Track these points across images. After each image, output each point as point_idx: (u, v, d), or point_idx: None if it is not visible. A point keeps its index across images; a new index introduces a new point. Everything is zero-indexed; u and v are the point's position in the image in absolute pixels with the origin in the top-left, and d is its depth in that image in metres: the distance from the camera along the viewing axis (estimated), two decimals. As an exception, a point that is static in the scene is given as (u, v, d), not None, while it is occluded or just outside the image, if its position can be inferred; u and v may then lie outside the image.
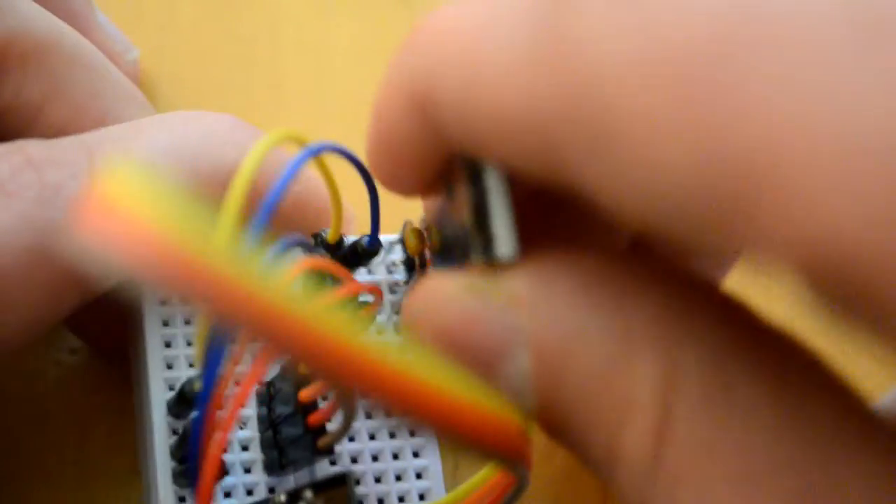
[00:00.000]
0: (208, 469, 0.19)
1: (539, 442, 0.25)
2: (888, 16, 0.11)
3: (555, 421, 0.15)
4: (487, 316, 0.15)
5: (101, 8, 0.27)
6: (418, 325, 0.16)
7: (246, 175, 0.17)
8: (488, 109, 0.14)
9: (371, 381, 0.13)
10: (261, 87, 0.30)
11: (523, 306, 0.15)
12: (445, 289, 0.16)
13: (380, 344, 0.13)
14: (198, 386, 0.20)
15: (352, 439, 0.22)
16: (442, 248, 0.19)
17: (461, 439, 0.14)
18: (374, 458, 0.22)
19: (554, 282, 0.15)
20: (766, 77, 0.11)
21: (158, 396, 0.21)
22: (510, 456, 0.15)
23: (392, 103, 0.16)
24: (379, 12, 0.31)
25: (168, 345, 0.22)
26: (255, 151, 0.17)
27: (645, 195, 0.13)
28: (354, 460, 0.22)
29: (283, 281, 0.12)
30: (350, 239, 0.22)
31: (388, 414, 0.14)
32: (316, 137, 0.19)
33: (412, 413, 0.13)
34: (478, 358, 0.15)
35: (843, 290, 0.11)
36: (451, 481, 0.23)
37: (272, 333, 0.12)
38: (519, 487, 0.20)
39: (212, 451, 0.19)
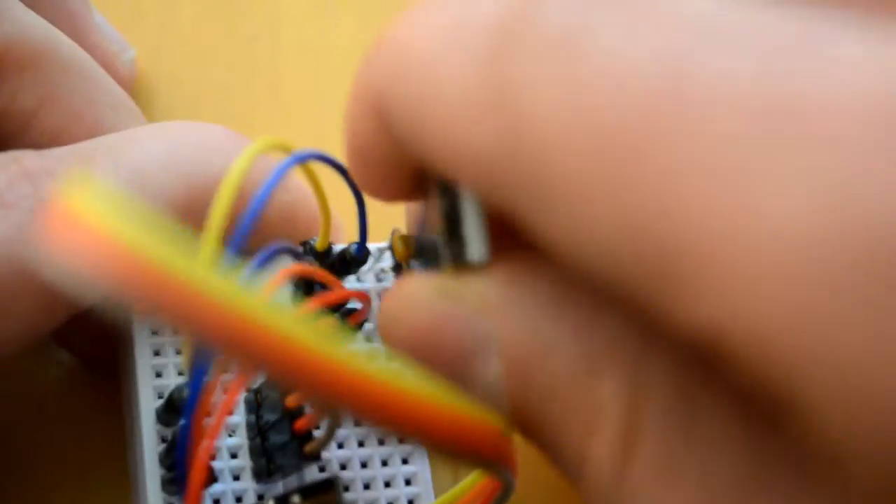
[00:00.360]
0: (196, 476, 0.19)
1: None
2: (807, 105, 0.11)
3: (527, 423, 0.15)
4: (458, 319, 0.15)
5: (99, 8, 0.27)
6: (392, 328, 0.16)
7: (233, 182, 0.17)
8: (436, 133, 0.14)
9: (349, 394, 0.13)
10: (261, 88, 0.30)
11: (493, 311, 0.15)
12: (418, 291, 0.16)
13: (357, 355, 0.13)
14: (186, 393, 0.20)
15: (340, 446, 0.22)
16: (420, 255, 0.19)
17: (442, 447, 0.14)
18: (363, 465, 0.22)
19: (524, 287, 0.15)
20: (683, 162, 0.12)
21: (148, 404, 0.21)
22: (492, 460, 0.15)
23: (358, 112, 0.17)
24: (379, 12, 0.31)
25: (157, 353, 0.22)
26: (241, 159, 0.18)
27: (577, 242, 0.13)
28: (343, 467, 0.22)
29: (256, 291, 0.12)
30: (338, 247, 0.22)
31: (370, 426, 0.13)
32: (315, 138, 0.19)
33: (392, 424, 0.14)
34: (449, 361, 0.15)
35: (746, 372, 0.12)
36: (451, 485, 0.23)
37: (238, 346, 0.12)
38: (505, 492, 0.20)
39: (199, 457, 0.19)
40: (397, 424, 0.14)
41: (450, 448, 0.14)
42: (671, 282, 0.12)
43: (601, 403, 0.14)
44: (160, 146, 0.22)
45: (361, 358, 0.13)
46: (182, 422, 0.21)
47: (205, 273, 0.12)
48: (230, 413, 0.21)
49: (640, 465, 0.14)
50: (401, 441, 0.23)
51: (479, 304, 0.15)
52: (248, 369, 0.13)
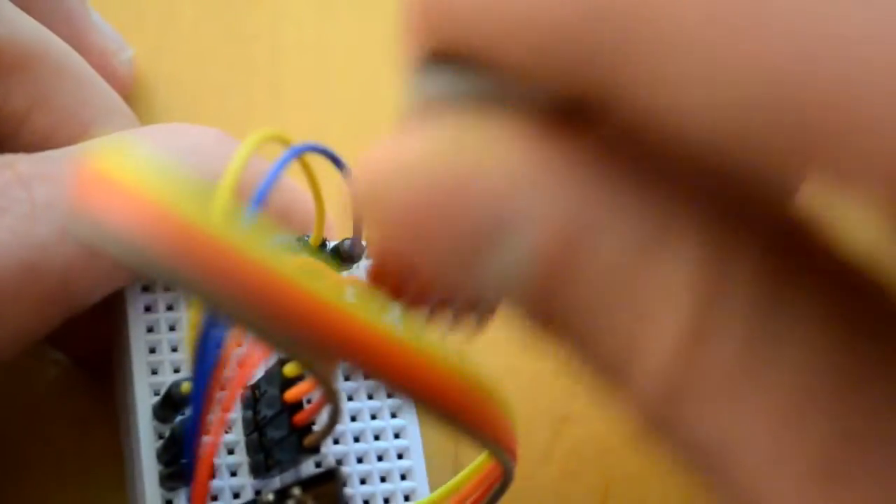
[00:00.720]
0: (202, 469, 0.19)
1: (538, 443, 0.26)
2: None
3: (555, 319, 0.13)
4: (482, 188, 0.12)
5: (99, 8, 0.27)
6: (384, 189, 0.12)
7: (234, 172, 0.17)
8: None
9: (363, 350, 0.13)
10: (260, 88, 0.30)
11: (531, 184, 0.12)
12: (430, 148, 0.12)
13: (371, 311, 0.13)
14: (185, 389, 0.21)
15: (336, 441, 0.22)
16: None
17: (442, 412, 0.14)
18: (360, 460, 0.22)
19: (570, 158, 0.12)
20: None
21: (144, 401, 0.21)
22: (492, 438, 0.15)
23: None
24: (379, 12, 0.31)
25: (152, 350, 0.22)
26: (242, 150, 0.18)
27: (689, 107, 0.11)
28: (340, 462, 0.22)
29: (287, 257, 0.12)
30: (332, 243, 0.22)
31: (373, 381, 0.13)
32: (315, 138, 0.19)
33: (402, 385, 0.13)
34: (459, 239, 0.12)
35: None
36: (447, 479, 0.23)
37: (273, 307, 0.12)
38: (504, 482, 0.20)
39: (205, 451, 0.19)
40: (402, 386, 0.13)
41: (450, 416, 0.14)
42: (826, 137, 0.10)
43: (666, 288, 0.12)
44: (154, 148, 0.22)
45: (376, 314, 0.13)
46: (180, 416, 0.21)
47: (238, 230, 0.12)
48: (231, 409, 0.21)
49: (708, 363, 0.12)
50: (397, 434, 0.23)
51: (512, 174, 0.12)
52: (277, 331, 0.13)
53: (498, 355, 0.25)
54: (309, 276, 0.12)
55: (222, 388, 0.19)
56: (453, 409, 0.14)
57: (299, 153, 0.19)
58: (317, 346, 0.13)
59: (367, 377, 0.14)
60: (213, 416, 0.19)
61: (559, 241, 0.12)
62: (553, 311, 0.13)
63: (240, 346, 0.20)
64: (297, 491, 0.20)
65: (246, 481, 0.21)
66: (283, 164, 0.18)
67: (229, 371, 0.20)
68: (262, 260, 0.12)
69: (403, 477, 0.23)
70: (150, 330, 0.22)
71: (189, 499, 0.20)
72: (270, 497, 0.20)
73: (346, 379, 0.23)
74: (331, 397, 0.18)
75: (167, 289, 0.22)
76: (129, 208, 0.12)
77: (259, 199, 0.18)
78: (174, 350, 0.22)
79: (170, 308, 0.22)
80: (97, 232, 0.12)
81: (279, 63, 0.30)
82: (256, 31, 0.30)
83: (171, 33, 0.30)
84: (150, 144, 0.22)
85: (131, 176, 0.12)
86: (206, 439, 0.19)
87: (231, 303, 0.12)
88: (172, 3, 0.30)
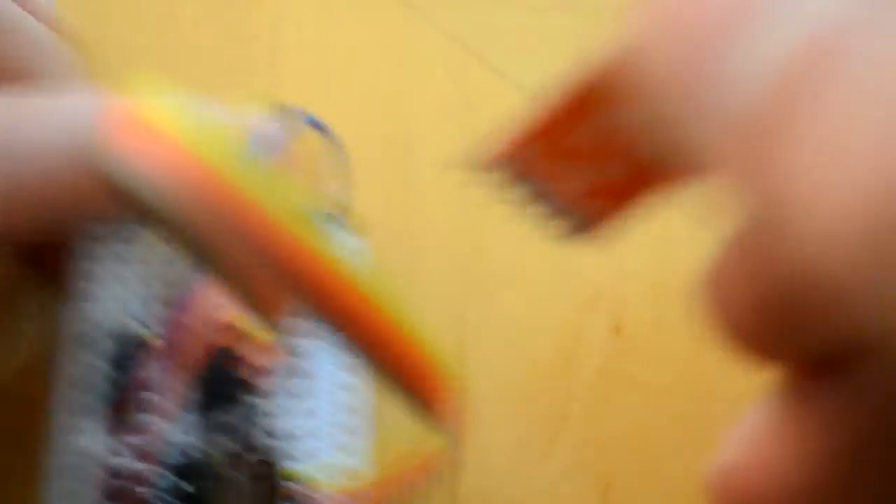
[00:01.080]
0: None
1: (538, 443, 0.26)
2: None
3: (773, 141, 0.11)
4: None
5: (100, 8, 0.28)
6: None
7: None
8: None
9: (327, 291, 0.14)
10: (260, 88, 0.30)
11: None
12: None
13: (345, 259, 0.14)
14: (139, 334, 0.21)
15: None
16: None
17: (386, 363, 0.15)
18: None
19: None
20: None
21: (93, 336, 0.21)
22: (432, 401, 0.16)
23: None
24: (379, 12, 0.31)
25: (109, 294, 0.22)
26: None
27: None
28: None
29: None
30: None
31: (328, 326, 0.14)
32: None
33: (345, 326, 0.14)
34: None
35: None
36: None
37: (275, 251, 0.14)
38: (445, 460, 0.19)
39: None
40: (349, 328, 0.14)
41: (390, 366, 0.15)
42: None
43: None
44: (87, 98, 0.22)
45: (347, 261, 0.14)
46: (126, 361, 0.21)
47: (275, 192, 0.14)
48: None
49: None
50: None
51: None
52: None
53: (498, 355, 0.26)
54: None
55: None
56: (391, 358, 0.15)
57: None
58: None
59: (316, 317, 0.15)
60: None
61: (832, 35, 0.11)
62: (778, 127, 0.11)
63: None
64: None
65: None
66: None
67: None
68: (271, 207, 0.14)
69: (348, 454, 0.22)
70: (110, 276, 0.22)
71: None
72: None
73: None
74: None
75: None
76: (161, 150, 0.13)
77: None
78: (127, 297, 0.22)
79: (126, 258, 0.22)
80: (128, 170, 0.13)
81: (279, 63, 0.30)
82: (256, 31, 0.31)
83: (171, 33, 0.30)
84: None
85: (166, 121, 0.13)
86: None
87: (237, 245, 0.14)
88: (172, 3, 0.30)
